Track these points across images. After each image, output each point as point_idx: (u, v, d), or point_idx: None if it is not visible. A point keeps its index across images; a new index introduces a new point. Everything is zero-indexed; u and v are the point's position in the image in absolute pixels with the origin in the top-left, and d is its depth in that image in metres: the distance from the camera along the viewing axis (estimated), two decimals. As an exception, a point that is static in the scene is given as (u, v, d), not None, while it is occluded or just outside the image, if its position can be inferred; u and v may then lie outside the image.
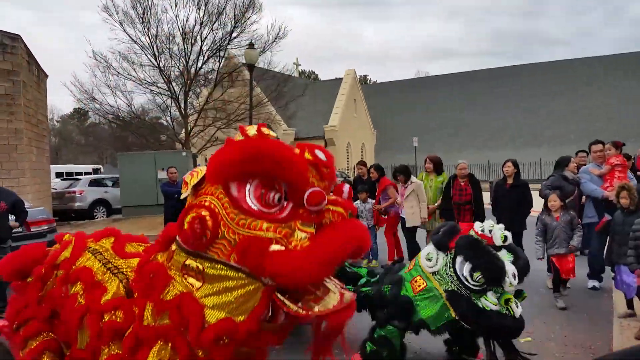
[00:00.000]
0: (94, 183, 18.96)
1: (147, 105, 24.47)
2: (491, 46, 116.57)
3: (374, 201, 8.08)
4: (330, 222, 1.89)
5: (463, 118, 44.11)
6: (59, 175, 25.40)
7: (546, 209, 5.94)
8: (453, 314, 3.73)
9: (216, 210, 1.90)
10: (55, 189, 18.31)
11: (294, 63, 40.87)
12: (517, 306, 3.67)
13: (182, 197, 2.06)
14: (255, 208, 1.88)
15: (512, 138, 40.84)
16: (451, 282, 3.70)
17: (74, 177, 22.23)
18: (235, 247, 1.86)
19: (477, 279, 3.56)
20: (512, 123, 41.90)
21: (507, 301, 3.62)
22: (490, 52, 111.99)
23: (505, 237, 3.69)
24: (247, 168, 1.85)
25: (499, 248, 3.69)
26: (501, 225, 3.77)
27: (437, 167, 7.63)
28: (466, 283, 3.60)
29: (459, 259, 3.64)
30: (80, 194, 18.00)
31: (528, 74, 45.62)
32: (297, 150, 1.97)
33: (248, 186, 1.89)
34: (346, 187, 2.05)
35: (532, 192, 6.86)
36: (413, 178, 7.57)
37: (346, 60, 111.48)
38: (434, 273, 3.79)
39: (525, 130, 40.99)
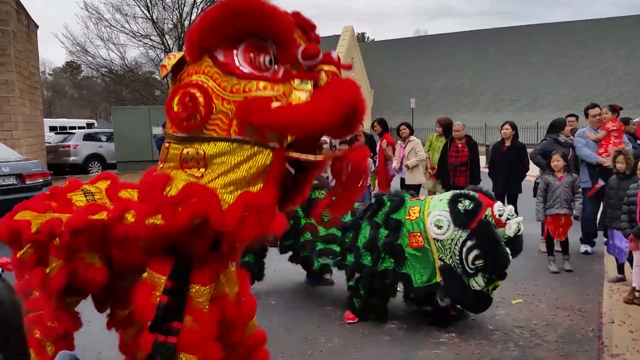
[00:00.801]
0: (88, 137, 18.79)
1: (140, 59, 24.07)
2: (492, 6, 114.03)
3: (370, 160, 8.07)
4: (326, 82, 1.82)
5: (462, 79, 43.61)
6: (52, 129, 25.11)
7: (549, 168, 5.94)
8: (438, 279, 3.82)
9: (205, 85, 1.79)
10: (49, 142, 18.16)
11: (291, 18, 39.90)
12: (495, 289, 3.89)
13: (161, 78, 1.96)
14: (246, 71, 1.78)
15: (512, 101, 40.50)
16: (451, 256, 3.72)
17: (68, 131, 22.01)
18: (235, 115, 1.77)
19: (477, 265, 3.63)
20: (512, 86, 41.48)
21: (495, 287, 3.85)
22: (491, 11, 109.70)
23: (519, 230, 3.73)
24: (231, 26, 1.75)
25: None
26: (520, 218, 3.78)
27: (446, 129, 7.59)
28: (465, 265, 3.66)
29: (469, 243, 3.64)
30: (74, 148, 17.86)
31: (529, 36, 44.88)
32: None
33: (235, 51, 1.79)
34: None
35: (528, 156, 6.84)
36: (412, 137, 7.63)
37: (343, 17, 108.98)
38: (436, 240, 3.79)
39: (525, 93, 40.64)
